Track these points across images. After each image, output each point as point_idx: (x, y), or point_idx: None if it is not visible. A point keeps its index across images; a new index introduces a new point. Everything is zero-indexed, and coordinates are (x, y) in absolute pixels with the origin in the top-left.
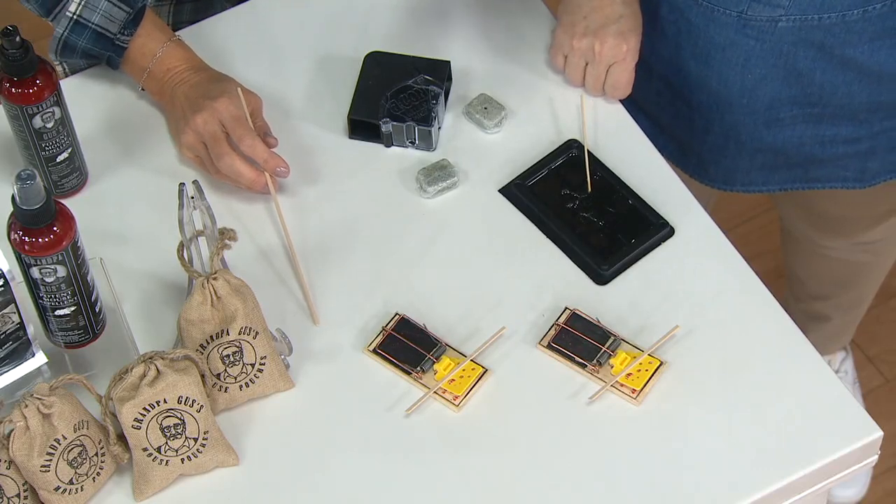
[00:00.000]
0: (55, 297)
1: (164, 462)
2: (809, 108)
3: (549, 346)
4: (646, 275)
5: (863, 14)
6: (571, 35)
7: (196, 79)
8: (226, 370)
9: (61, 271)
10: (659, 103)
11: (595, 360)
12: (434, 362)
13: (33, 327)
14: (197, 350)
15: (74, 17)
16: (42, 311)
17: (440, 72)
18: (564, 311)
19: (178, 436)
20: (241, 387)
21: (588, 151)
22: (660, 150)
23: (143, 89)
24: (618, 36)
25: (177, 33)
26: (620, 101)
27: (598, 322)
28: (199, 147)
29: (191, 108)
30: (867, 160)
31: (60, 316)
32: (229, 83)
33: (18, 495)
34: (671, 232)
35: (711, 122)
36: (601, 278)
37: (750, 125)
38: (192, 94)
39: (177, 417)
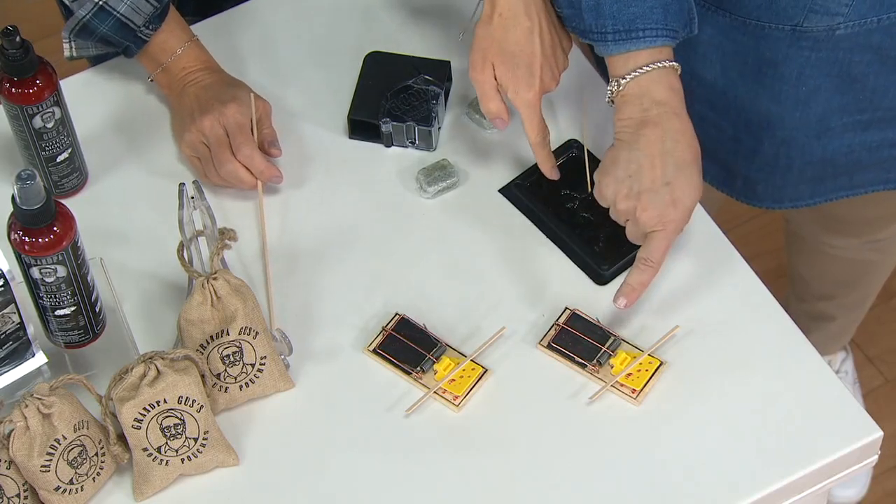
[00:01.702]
0: (55, 297)
1: (164, 462)
2: (859, 115)
3: (549, 346)
4: None
5: None
6: (616, 192)
7: (209, 80)
8: (226, 370)
9: (61, 271)
10: (701, 127)
11: (595, 360)
12: (434, 362)
13: (33, 327)
14: (197, 350)
15: (100, 3)
16: (42, 311)
17: (440, 72)
18: (564, 311)
19: (178, 436)
20: (241, 387)
21: (588, 151)
22: (703, 176)
23: (151, 80)
24: (664, 206)
25: None
26: None
27: (598, 322)
28: (200, 147)
29: (199, 109)
30: None
31: (60, 316)
32: (241, 89)
33: (18, 495)
34: None
35: (761, 139)
36: (601, 278)
37: (801, 138)
38: (203, 95)
39: (177, 417)
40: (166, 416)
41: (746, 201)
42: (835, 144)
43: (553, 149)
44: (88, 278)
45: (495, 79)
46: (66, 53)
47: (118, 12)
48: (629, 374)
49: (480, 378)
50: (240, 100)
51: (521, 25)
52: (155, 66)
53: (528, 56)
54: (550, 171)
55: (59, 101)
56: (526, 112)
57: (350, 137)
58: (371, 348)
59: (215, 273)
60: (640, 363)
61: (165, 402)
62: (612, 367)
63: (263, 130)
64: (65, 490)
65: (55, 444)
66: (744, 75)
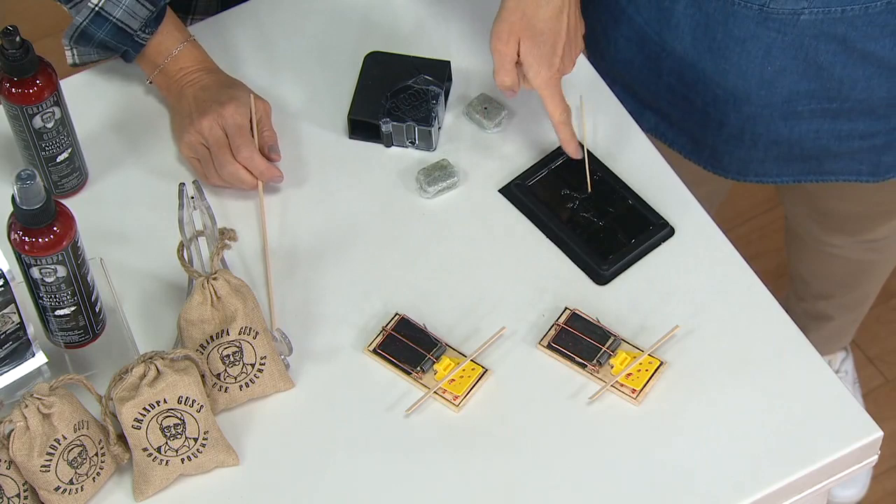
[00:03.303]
0: (55, 297)
1: (164, 462)
2: (828, 104)
3: (549, 346)
4: (646, 275)
5: (886, 6)
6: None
7: (207, 80)
8: (226, 370)
9: (61, 271)
10: (670, 99)
11: (595, 360)
12: (434, 362)
13: (33, 327)
14: (197, 350)
15: (96, 8)
16: (42, 311)
17: (440, 72)
18: (564, 311)
19: (178, 436)
20: (241, 387)
21: (588, 151)
22: (670, 145)
23: (150, 82)
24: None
25: None
26: (621, 99)
27: (598, 322)
28: (199, 149)
29: (198, 110)
30: (882, 154)
31: (60, 316)
32: (240, 90)
33: (18, 495)
34: (671, 232)
35: (727, 114)
36: (601, 278)
37: (767, 117)
38: (201, 96)
39: (177, 417)
40: (166, 416)
41: (712, 170)
42: (802, 128)
43: (553, 149)
44: (88, 278)
45: (518, 54)
46: (70, 61)
47: (114, 17)
48: (629, 374)
49: (480, 378)
50: (238, 100)
51: (553, 4)
52: (152, 69)
53: (554, 35)
54: (575, 151)
55: (59, 101)
56: (547, 92)
57: (350, 137)
58: (371, 348)
59: (215, 273)
60: (640, 363)
61: (165, 402)
62: (612, 367)
63: (264, 133)
64: (65, 490)
65: (55, 444)
66: (712, 50)
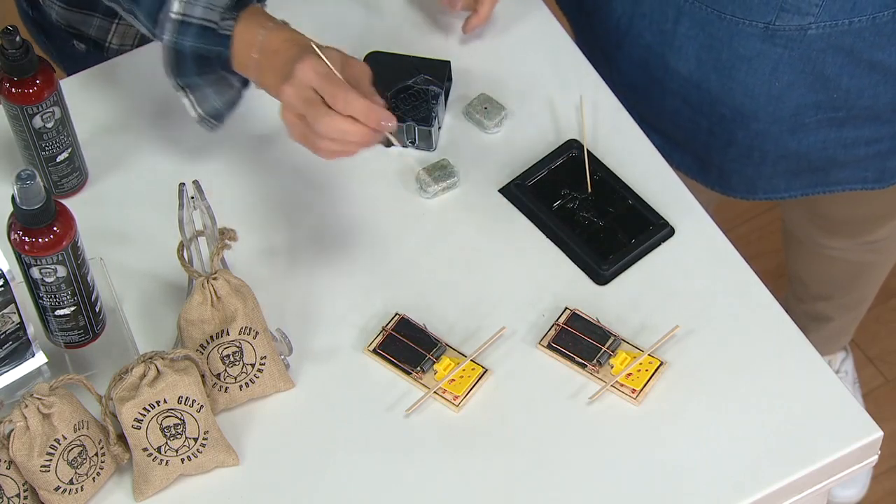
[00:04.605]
0: (55, 297)
1: (164, 462)
2: (833, 113)
3: (549, 346)
4: (646, 275)
5: (893, 16)
6: None
7: (297, 37)
8: (226, 370)
9: (61, 271)
10: (675, 120)
11: (595, 360)
12: (434, 362)
13: (33, 327)
14: (197, 350)
15: (180, 17)
16: (42, 311)
17: (440, 72)
18: (564, 311)
19: (178, 436)
20: (241, 387)
21: (588, 151)
22: (677, 166)
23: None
24: None
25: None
26: (630, 112)
27: (598, 322)
28: (300, 102)
29: (282, 79)
30: (887, 160)
31: (60, 316)
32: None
33: (18, 495)
34: (671, 232)
35: (734, 133)
36: (601, 278)
37: (775, 133)
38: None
39: (177, 417)
40: (166, 416)
41: (720, 191)
42: (809, 140)
43: (553, 149)
44: (88, 278)
45: None
46: (191, 112)
47: (196, 17)
48: (629, 374)
49: (480, 378)
50: (311, 54)
51: None
52: (247, 65)
53: None
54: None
55: (59, 101)
56: None
57: None
58: (371, 348)
59: (215, 273)
60: (640, 363)
61: (165, 402)
62: (612, 367)
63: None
64: (65, 490)
65: (55, 444)
66: (718, 69)
